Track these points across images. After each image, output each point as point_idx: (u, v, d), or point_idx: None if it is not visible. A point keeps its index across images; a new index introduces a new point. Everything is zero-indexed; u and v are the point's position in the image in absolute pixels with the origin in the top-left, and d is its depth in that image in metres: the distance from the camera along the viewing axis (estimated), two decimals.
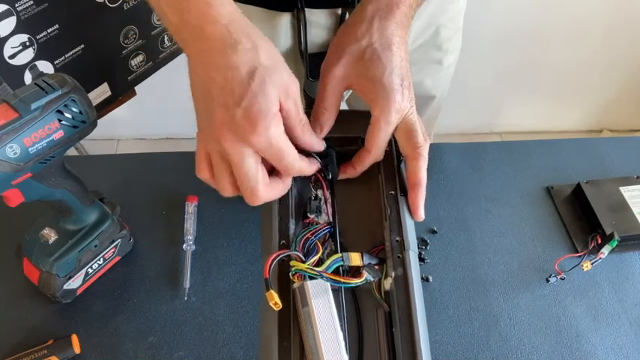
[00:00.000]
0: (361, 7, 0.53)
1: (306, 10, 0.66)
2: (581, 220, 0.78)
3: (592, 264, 0.70)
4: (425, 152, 0.52)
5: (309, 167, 0.49)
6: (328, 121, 0.51)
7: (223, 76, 0.42)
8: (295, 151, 0.46)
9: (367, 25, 0.51)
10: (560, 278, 0.72)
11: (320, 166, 0.51)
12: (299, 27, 0.64)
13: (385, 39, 0.50)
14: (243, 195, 0.46)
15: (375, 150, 0.51)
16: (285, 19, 0.70)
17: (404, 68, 0.50)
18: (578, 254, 0.74)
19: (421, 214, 0.52)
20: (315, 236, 0.50)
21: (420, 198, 0.52)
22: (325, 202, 0.53)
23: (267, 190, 0.46)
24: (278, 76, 0.44)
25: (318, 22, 0.70)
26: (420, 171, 0.52)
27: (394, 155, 0.55)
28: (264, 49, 0.44)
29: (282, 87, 0.44)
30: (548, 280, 0.72)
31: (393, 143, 0.56)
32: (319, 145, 0.49)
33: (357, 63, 0.50)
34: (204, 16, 0.43)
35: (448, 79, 0.93)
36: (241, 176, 0.44)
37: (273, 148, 0.43)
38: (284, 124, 0.44)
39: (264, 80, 0.42)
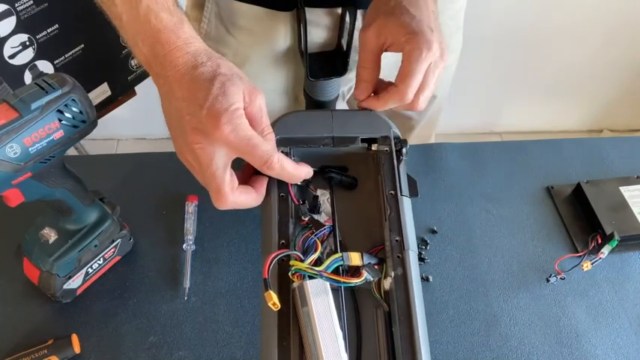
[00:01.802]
0: None
1: (306, 9, 0.66)
2: (581, 220, 0.78)
3: (592, 264, 0.70)
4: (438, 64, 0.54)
5: (293, 164, 0.49)
6: (370, 77, 0.56)
7: (187, 89, 0.45)
8: (268, 143, 0.47)
9: None
10: (561, 278, 0.72)
11: (311, 173, 0.51)
12: (299, 26, 0.65)
13: None
14: (211, 196, 0.47)
15: (403, 86, 0.53)
16: (285, 19, 0.70)
17: (431, 19, 0.55)
18: (578, 254, 0.74)
19: (382, 106, 0.56)
20: (314, 235, 0.50)
21: (395, 98, 0.55)
22: (324, 202, 0.53)
23: (234, 193, 0.47)
24: (239, 82, 0.46)
25: (318, 21, 0.70)
26: (417, 69, 0.53)
27: (394, 155, 0.55)
28: (224, 65, 0.47)
29: (243, 92, 0.46)
30: (548, 280, 0.72)
31: (392, 144, 0.56)
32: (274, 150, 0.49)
33: (389, 18, 0.55)
34: (173, 47, 0.47)
35: (449, 79, 0.93)
36: (207, 176, 0.46)
37: (241, 139, 0.45)
38: None
39: (225, 84, 0.45)
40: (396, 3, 0.56)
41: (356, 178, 0.56)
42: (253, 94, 0.47)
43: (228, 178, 0.47)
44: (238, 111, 0.45)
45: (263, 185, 0.51)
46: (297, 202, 0.51)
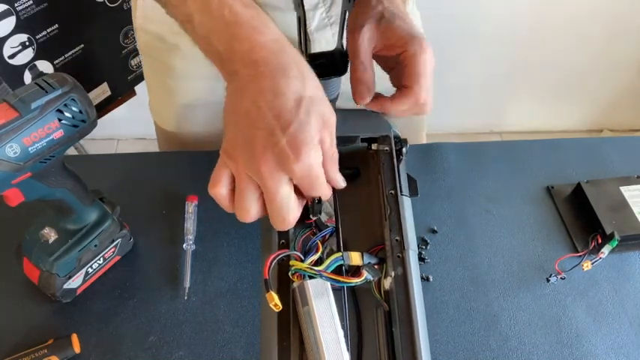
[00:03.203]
0: None
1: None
2: (581, 219, 0.78)
3: (592, 264, 0.70)
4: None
5: (330, 194, 0.48)
6: (371, 78, 0.56)
7: (270, 103, 0.43)
8: (326, 182, 0.46)
9: None
10: (561, 278, 0.72)
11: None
12: (299, 26, 0.64)
13: (395, 6, 0.57)
14: (272, 221, 0.45)
15: (417, 86, 0.54)
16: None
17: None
18: (578, 254, 0.74)
19: (393, 111, 0.56)
20: (316, 236, 0.50)
21: (409, 103, 0.56)
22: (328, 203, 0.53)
23: (296, 217, 0.45)
24: (321, 108, 0.44)
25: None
26: (425, 70, 0.55)
27: (394, 155, 0.55)
28: (310, 80, 0.45)
29: (323, 119, 0.44)
30: (548, 280, 0.72)
31: (392, 142, 0.56)
32: (342, 182, 0.49)
33: (380, 22, 0.55)
34: (254, 44, 0.44)
35: None
36: (275, 204, 0.44)
37: (312, 177, 0.43)
38: None
39: (310, 111, 0.43)
40: (384, 8, 0.56)
41: (357, 167, 0.55)
42: (329, 121, 0.45)
43: (293, 207, 0.45)
44: (318, 147, 0.43)
45: (303, 202, 0.49)
46: (310, 202, 0.51)
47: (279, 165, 0.42)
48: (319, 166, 0.44)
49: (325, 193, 0.46)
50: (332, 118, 0.45)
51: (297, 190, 0.46)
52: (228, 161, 0.45)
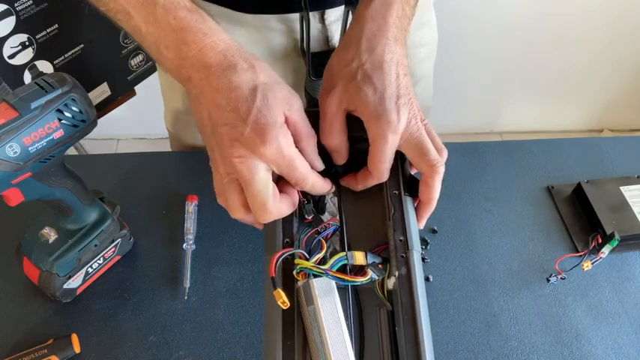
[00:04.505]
0: (350, 29, 0.53)
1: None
2: (581, 219, 0.78)
3: (592, 264, 0.70)
4: (441, 168, 0.49)
5: (322, 183, 0.48)
6: (340, 145, 0.50)
7: (226, 97, 0.43)
8: (307, 163, 0.46)
9: (355, 46, 0.50)
10: (561, 278, 0.72)
11: (334, 188, 0.51)
12: (302, 27, 0.64)
13: (376, 58, 0.49)
14: (253, 212, 0.46)
15: (376, 172, 0.50)
16: (281, 19, 0.70)
17: (401, 86, 0.49)
18: (578, 254, 0.74)
19: (421, 225, 0.53)
20: (319, 235, 0.50)
21: (428, 212, 0.53)
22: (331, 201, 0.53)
23: (277, 206, 0.45)
24: (279, 91, 0.45)
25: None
26: (435, 190, 0.51)
27: (397, 154, 0.55)
28: (260, 69, 0.45)
29: (284, 100, 0.44)
30: (548, 280, 0.72)
31: None
32: (319, 164, 0.49)
33: (350, 85, 0.49)
34: (201, 46, 0.45)
35: (429, 80, 0.92)
36: (251, 191, 0.44)
37: (285, 158, 0.44)
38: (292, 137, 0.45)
39: (266, 95, 0.44)
40: (359, 65, 0.49)
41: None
42: (292, 101, 0.45)
43: (272, 194, 0.45)
44: (283, 127, 0.43)
45: (294, 191, 0.49)
46: (301, 199, 0.51)
47: (249, 152, 0.43)
48: (290, 147, 0.44)
49: (309, 177, 0.46)
50: (295, 99, 0.46)
51: (286, 185, 0.47)
52: (214, 167, 0.47)
